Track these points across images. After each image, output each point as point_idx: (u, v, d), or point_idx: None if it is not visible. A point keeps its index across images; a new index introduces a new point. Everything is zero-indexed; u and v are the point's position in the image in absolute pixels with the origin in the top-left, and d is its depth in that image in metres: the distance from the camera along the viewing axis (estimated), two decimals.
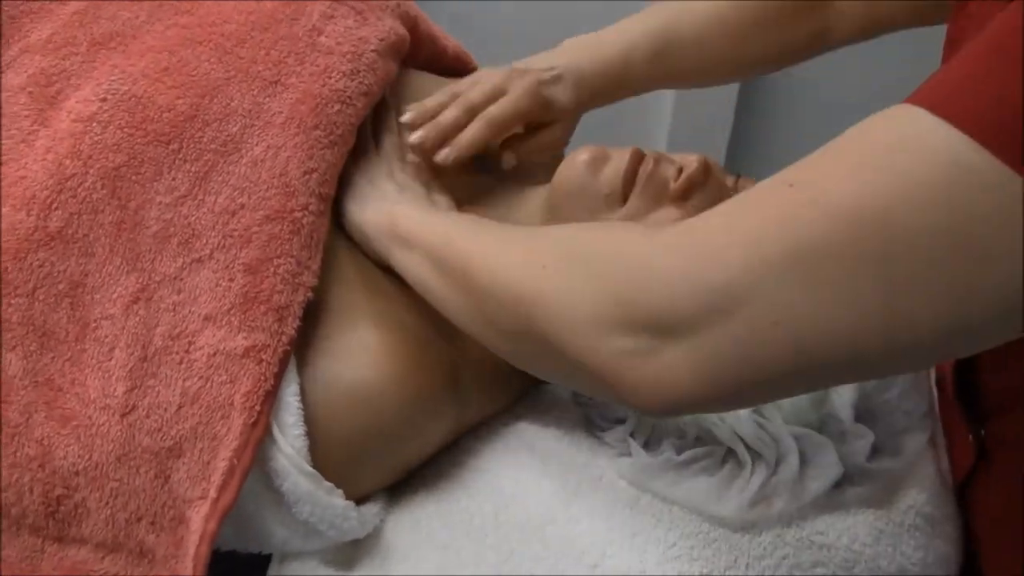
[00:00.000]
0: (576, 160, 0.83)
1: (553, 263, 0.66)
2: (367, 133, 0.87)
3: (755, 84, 1.90)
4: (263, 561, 0.81)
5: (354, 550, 0.78)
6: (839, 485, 0.79)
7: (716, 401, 0.60)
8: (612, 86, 0.94)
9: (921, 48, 0.97)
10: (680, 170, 0.82)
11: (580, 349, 0.63)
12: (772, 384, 0.59)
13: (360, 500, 0.77)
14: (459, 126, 0.86)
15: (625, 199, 0.81)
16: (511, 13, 1.82)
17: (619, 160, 0.82)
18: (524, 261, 0.68)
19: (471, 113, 0.87)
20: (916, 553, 0.78)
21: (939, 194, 0.51)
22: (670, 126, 1.88)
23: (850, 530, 0.78)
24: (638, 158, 0.82)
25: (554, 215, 0.83)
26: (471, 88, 0.88)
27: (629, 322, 0.60)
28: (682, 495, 0.79)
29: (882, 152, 0.54)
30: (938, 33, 0.78)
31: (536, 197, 0.88)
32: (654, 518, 0.77)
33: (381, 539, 0.78)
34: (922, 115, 0.53)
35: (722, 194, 0.82)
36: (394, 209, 0.81)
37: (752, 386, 0.59)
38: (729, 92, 1.85)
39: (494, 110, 0.87)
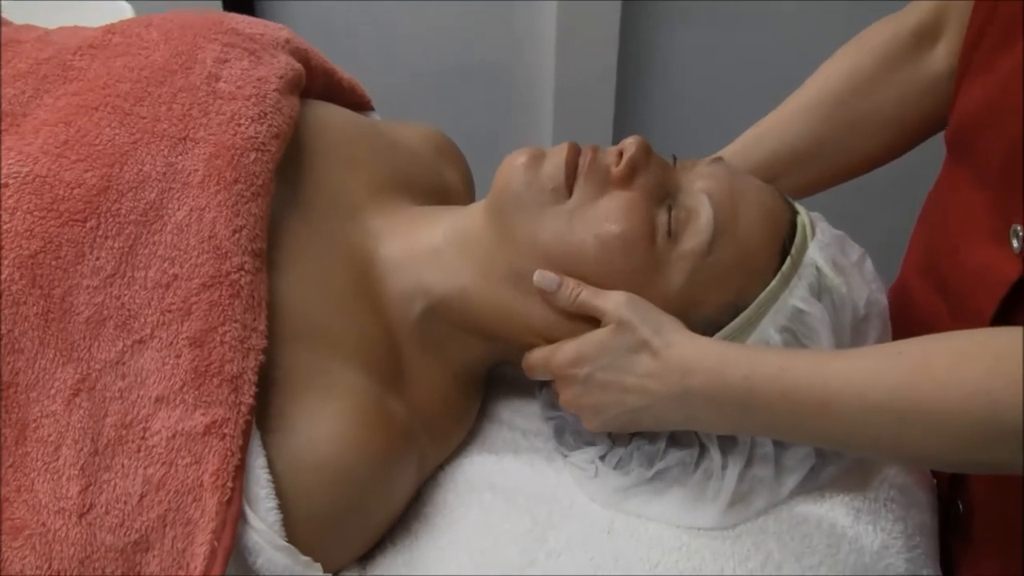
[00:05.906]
0: (515, 163, 0.81)
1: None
2: (286, 179, 0.83)
3: (632, 87, 1.90)
4: None
5: None
6: (813, 467, 0.80)
7: None
8: None
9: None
10: (620, 154, 0.81)
11: None
12: None
13: (336, 572, 0.75)
14: None
15: (570, 191, 0.80)
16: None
17: (557, 155, 0.80)
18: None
19: None
20: (896, 526, 0.79)
21: None
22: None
23: (828, 515, 0.79)
24: (576, 149, 0.81)
25: (500, 219, 0.81)
26: None
27: None
28: (657, 511, 0.79)
29: None
30: None
31: (472, 211, 0.85)
32: (633, 539, 0.77)
33: None
34: None
35: (666, 173, 0.82)
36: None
37: None
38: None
39: None
